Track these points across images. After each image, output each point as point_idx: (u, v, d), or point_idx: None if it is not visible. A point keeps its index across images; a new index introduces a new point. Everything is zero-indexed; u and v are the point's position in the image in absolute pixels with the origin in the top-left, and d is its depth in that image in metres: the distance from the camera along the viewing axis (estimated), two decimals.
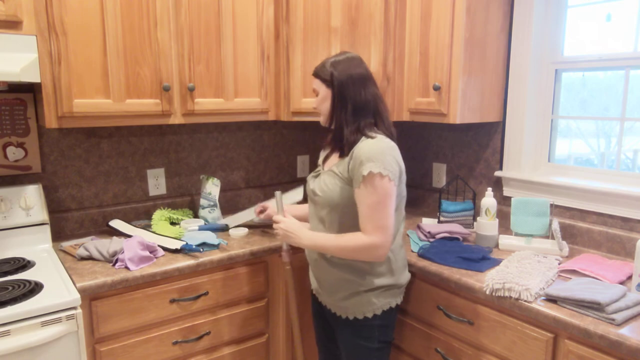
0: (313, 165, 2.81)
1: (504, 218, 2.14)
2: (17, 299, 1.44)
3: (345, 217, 1.51)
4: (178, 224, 2.18)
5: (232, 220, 2.18)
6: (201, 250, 1.83)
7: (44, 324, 1.42)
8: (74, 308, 1.48)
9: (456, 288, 1.62)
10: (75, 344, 1.49)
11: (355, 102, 1.51)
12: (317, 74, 1.57)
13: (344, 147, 1.51)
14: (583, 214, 1.92)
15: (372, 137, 1.47)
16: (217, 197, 2.18)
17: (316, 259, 1.61)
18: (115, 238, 1.84)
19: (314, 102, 1.62)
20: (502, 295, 1.45)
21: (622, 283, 1.53)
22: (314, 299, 1.77)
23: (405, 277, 1.63)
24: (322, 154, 1.70)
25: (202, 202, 2.25)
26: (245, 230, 2.05)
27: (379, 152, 1.43)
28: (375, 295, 1.54)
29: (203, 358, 1.84)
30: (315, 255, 1.62)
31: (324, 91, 1.55)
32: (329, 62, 1.55)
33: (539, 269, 1.57)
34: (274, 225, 1.64)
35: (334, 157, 1.59)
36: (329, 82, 1.53)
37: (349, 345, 1.60)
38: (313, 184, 1.62)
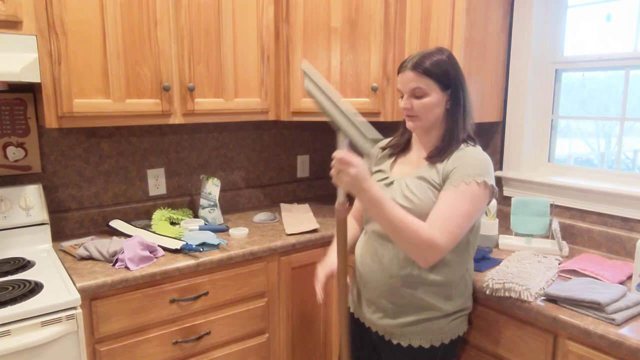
0: (313, 165, 2.81)
1: (504, 218, 2.14)
2: (17, 299, 1.43)
3: None
4: (178, 224, 2.18)
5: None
6: (201, 250, 1.83)
7: (44, 324, 1.42)
8: (74, 308, 1.48)
9: None
10: (75, 344, 1.49)
11: (466, 107, 1.38)
12: (428, 72, 1.33)
13: (443, 155, 1.37)
14: (583, 214, 1.92)
15: (473, 145, 1.38)
16: (217, 197, 2.18)
17: (394, 277, 1.39)
18: (115, 238, 1.84)
19: (407, 102, 1.37)
20: (502, 295, 1.45)
21: (622, 283, 1.53)
22: (351, 323, 1.57)
23: (471, 299, 1.50)
24: (379, 157, 1.55)
25: (202, 202, 2.25)
26: (246, 230, 2.05)
27: (487, 164, 1.34)
28: (448, 321, 1.40)
29: (203, 358, 1.84)
30: (387, 272, 1.40)
31: (437, 95, 1.35)
32: (441, 59, 1.34)
33: (539, 269, 1.57)
34: (342, 168, 1.22)
35: (414, 163, 1.44)
36: (445, 84, 1.34)
37: None
38: (388, 192, 1.41)
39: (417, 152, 1.47)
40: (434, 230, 1.27)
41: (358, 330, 1.56)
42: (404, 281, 1.39)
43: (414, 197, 1.35)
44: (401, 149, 1.52)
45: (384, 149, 1.57)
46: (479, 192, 1.31)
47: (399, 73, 1.40)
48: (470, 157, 1.34)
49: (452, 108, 1.38)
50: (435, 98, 1.35)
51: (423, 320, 1.39)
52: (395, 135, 1.56)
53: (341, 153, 1.23)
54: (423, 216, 1.33)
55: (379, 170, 1.52)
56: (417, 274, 1.37)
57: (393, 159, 1.52)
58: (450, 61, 1.36)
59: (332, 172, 1.25)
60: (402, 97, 1.41)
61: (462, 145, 1.38)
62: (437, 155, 1.38)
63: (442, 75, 1.34)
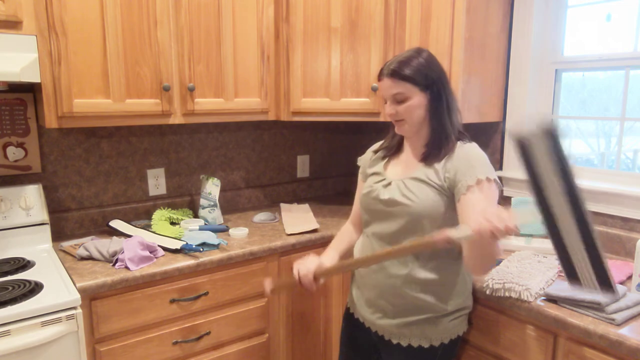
0: (313, 165, 2.81)
1: None
2: (17, 299, 1.43)
3: (424, 232, 1.34)
4: (178, 224, 2.18)
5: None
6: (201, 250, 1.83)
7: (44, 324, 1.42)
8: (74, 308, 1.48)
9: None
10: (75, 344, 1.49)
11: (449, 103, 1.38)
12: (405, 77, 1.34)
13: (438, 154, 1.37)
14: None
15: (468, 142, 1.38)
16: (217, 197, 2.18)
17: (393, 277, 1.39)
18: (115, 238, 1.84)
19: (391, 108, 1.38)
20: (502, 295, 1.45)
21: (622, 283, 1.53)
22: (350, 323, 1.59)
23: (471, 299, 1.50)
24: (372, 159, 1.56)
25: (202, 202, 2.25)
26: (246, 230, 2.05)
27: (485, 158, 1.34)
28: (447, 321, 1.40)
29: (203, 358, 1.84)
30: (386, 272, 1.40)
31: (418, 97, 1.35)
32: (417, 61, 1.35)
33: (539, 269, 1.57)
34: (499, 234, 1.05)
35: (408, 163, 1.44)
36: (424, 85, 1.35)
37: None
38: (387, 192, 1.41)
39: (409, 153, 1.47)
40: None
41: (357, 330, 1.56)
42: (403, 281, 1.39)
43: (414, 196, 1.35)
44: (393, 151, 1.52)
45: (375, 151, 1.58)
46: (493, 189, 1.32)
47: (379, 80, 1.41)
48: (471, 155, 1.34)
49: (435, 107, 1.38)
50: (416, 100, 1.36)
51: (422, 320, 1.39)
52: (386, 139, 1.57)
53: (515, 225, 1.04)
54: (423, 214, 1.34)
55: (374, 173, 1.52)
56: (416, 274, 1.37)
57: (385, 160, 1.52)
58: (427, 62, 1.37)
59: (487, 225, 1.05)
60: (385, 103, 1.42)
61: (459, 144, 1.38)
62: (431, 154, 1.39)
63: (420, 77, 1.34)
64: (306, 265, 1.46)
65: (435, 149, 1.38)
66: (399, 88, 1.35)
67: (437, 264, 1.38)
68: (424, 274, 1.37)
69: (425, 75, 1.35)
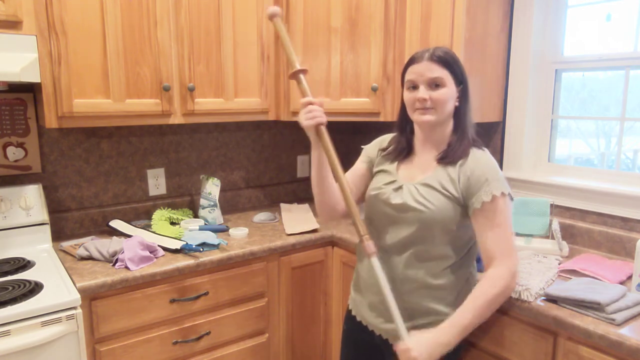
0: None
1: None
2: (17, 299, 1.44)
3: (434, 239, 1.34)
4: (178, 224, 2.18)
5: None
6: (201, 250, 1.83)
7: (44, 324, 1.42)
8: (74, 308, 1.48)
9: None
10: (75, 344, 1.49)
11: (469, 105, 1.40)
12: (448, 65, 1.34)
13: (455, 154, 1.35)
14: (583, 214, 1.92)
15: (481, 149, 1.37)
16: (217, 197, 2.18)
17: (399, 283, 1.38)
18: (115, 238, 1.84)
19: (425, 93, 1.34)
20: None
21: (622, 283, 1.53)
22: (353, 325, 1.55)
23: None
24: (381, 157, 1.53)
25: (202, 202, 2.25)
26: (246, 230, 2.05)
27: (499, 170, 1.33)
28: None
29: (203, 358, 1.84)
30: (390, 277, 1.37)
31: (453, 88, 1.35)
32: (456, 56, 1.37)
33: (539, 269, 1.57)
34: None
35: (420, 166, 1.42)
36: (459, 80, 1.36)
37: None
38: (398, 197, 1.38)
39: (423, 155, 1.43)
40: (508, 260, 1.30)
41: (360, 332, 1.54)
42: (408, 286, 1.38)
43: (428, 203, 1.33)
44: (404, 154, 1.48)
45: (384, 149, 1.54)
46: (508, 203, 1.32)
47: (412, 64, 1.38)
48: (487, 166, 1.32)
49: (462, 105, 1.38)
50: (451, 90, 1.35)
51: (427, 325, 1.37)
52: (392, 139, 1.53)
53: (404, 346, 1.27)
54: (437, 221, 1.32)
55: (383, 170, 1.49)
56: (421, 280, 1.36)
57: (397, 161, 1.48)
58: (460, 62, 1.39)
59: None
60: (411, 89, 1.39)
61: (473, 150, 1.36)
62: (450, 155, 1.36)
63: (458, 70, 1.35)
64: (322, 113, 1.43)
65: (455, 149, 1.37)
66: (440, 73, 1.33)
67: (444, 270, 1.36)
68: (429, 279, 1.36)
69: (461, 70, 1.37)
